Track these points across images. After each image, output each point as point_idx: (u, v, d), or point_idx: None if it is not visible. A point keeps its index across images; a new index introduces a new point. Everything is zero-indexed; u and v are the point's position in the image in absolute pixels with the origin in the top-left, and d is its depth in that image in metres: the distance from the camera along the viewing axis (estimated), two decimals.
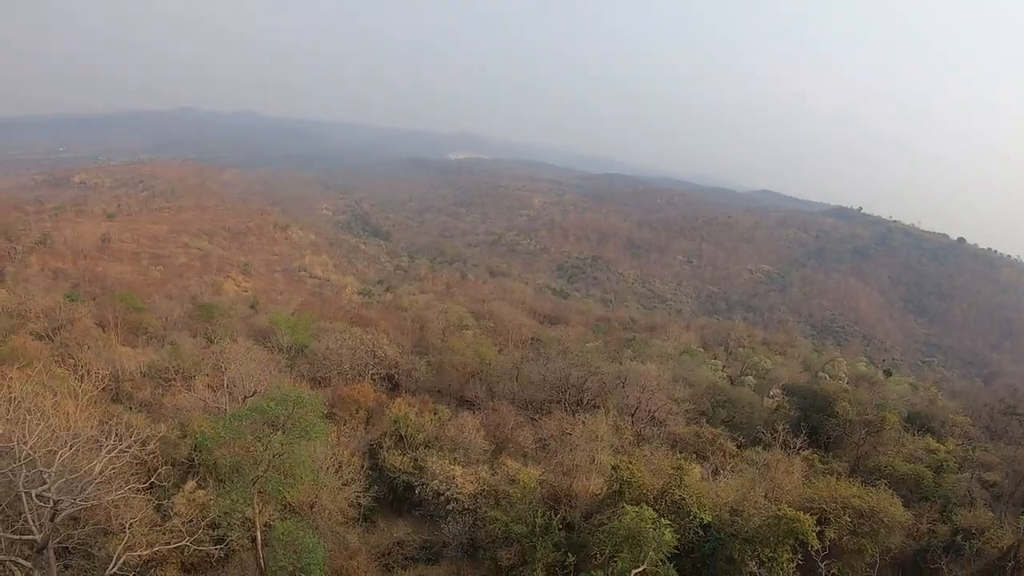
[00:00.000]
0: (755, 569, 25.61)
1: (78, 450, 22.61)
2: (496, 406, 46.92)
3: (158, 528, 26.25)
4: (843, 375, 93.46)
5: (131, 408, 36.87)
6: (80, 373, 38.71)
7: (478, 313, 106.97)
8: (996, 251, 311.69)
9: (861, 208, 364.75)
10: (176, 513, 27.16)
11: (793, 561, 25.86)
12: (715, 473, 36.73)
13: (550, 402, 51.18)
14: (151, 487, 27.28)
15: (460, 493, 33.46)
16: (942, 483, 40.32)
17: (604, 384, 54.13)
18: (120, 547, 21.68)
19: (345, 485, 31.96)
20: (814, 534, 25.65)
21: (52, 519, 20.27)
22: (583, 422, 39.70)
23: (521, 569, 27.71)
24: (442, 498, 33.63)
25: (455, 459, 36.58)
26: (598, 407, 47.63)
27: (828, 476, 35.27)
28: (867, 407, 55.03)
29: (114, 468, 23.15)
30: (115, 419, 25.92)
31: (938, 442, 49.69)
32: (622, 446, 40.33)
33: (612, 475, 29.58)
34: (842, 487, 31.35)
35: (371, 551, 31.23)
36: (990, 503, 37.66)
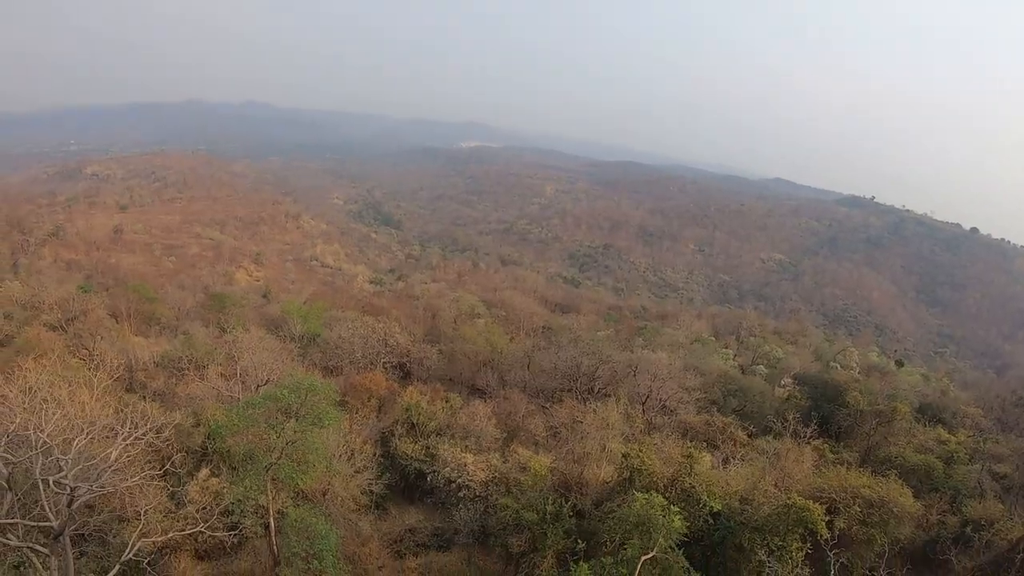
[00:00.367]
0: (764, 558, 25.58)
1: (94, 438, 22.78)
2: (507, 394, 47.03)
3: (172, 515, 26.57)
4: (854, 365, 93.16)
5: (145, 397, 37.14)
6: (94, 363, 39.11)
7: (490, 302, 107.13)
8: (1009, 241, 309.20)
9: (874, 197, 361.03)
10: (190, 500, 27.46)
11: (802, 550, 25.80)
12: (725, 462, 36.72)
13: (561, 390, 51.25)
14: (165, 475, 27.59)
15: (471, 480, 33.63)
16: (952, 474, 40.17)
17: (615, 372, 54.13)
18: (135, 534, 21.89)
19: (357, 472, 32.15)
20: (824, 523, 25.57)
21: (69, 505, 20.45)
22: (594, 410, 39.74)
23: (532, 556, 27.85)
24: (453, 485, 33.85)
25: (467, 447, 36.76)
26: (609, 395, 47.63)
27: (838, 466, 35.27)
28: (878, 397, 54.76)
29: (129, 456, 23.30)
30: (130, 408, 26.06)
31: (949, 433, 49.39)
32: (633, 434, 40.37)
33: (623, 463, 29.64)
34: (852, 477, 31.35)
35: (383, 538, 31.50)
36: (1000, 495, 37.51)
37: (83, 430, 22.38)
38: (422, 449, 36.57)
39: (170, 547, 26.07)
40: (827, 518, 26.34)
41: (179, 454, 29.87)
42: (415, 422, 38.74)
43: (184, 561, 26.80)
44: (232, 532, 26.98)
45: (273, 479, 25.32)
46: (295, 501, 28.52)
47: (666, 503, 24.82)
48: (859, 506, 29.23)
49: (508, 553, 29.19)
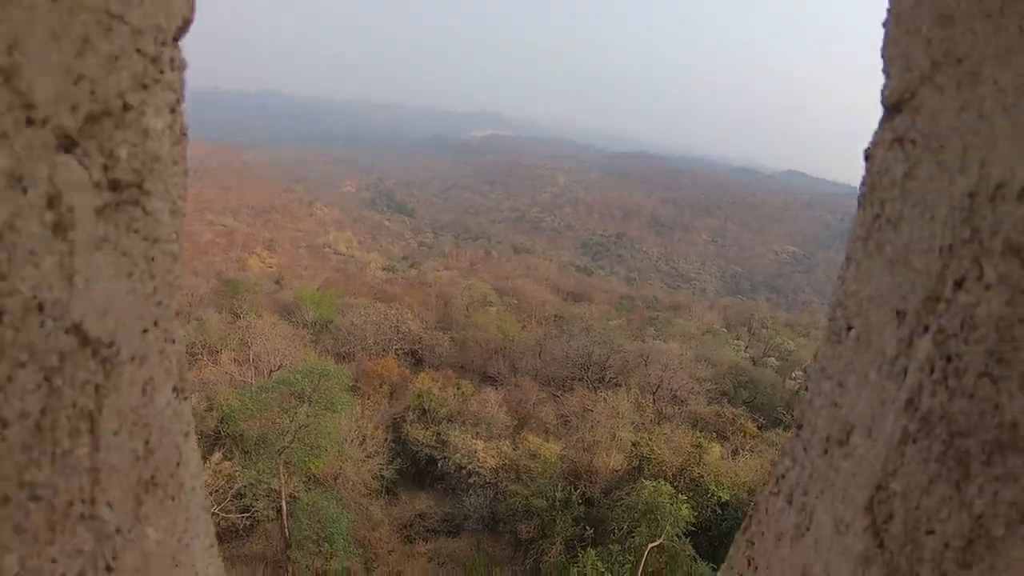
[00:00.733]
0: None
1: None
2: (519, 382, 47.17)
3: None
4: None
5: None
6: None
7: (502, 289, 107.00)
8: None
9: None
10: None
11: None
12: (735, 453, 36.76)
13: (572, 379, 51.31)
14: None
15: (482, 467, 33.83)
16: None
17: (626, 362, 54.12)
18: None
19: (369, 458, 32.48)
20: None
21: None
22: (605, 399, 39.90)
23: (540, 542, 28.10)
24: (464, 472, 34.04)
25: (477, 433, 36.88)
26: (620, 385, 47.67)
27: None
28: None
29: None
30: None
31: None
32: (643, 423, 40.44)
33: (632, 451, 29.83)
34: None
35: (393, 522, 31.79)
36: None
37: None
38: (433, 435, 36.82)
39: None
40: None
41: None
42: (426, 408, 39.00)
43: None
44: (244, 515, 27.32)
45: (285, 463, 25.60)
46: (307, 485, 28.80)
47: (674, 492, 25.00)
48: None
49: (517, 539, 29.45)
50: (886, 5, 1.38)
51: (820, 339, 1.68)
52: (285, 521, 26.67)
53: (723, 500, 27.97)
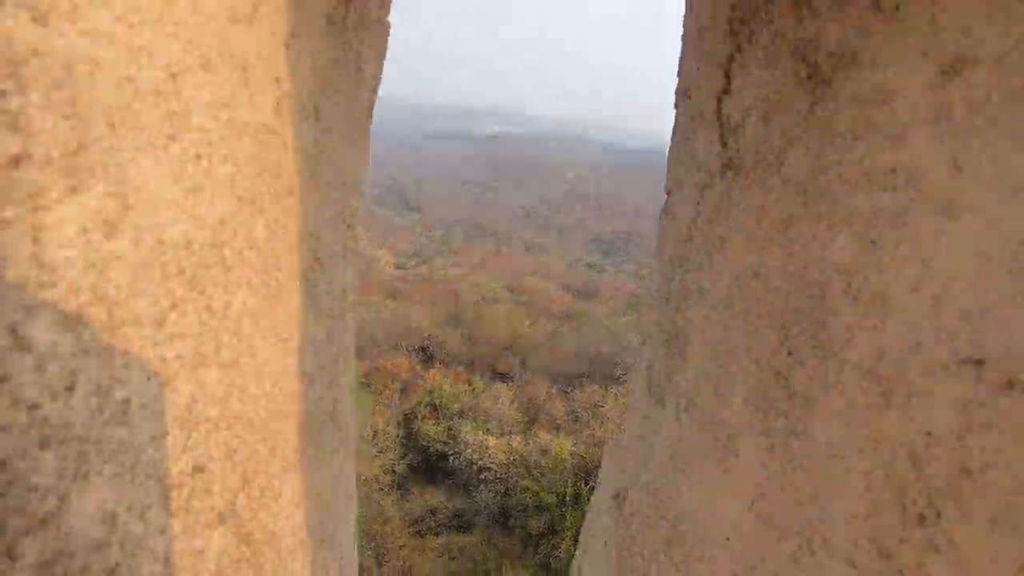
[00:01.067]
0: None
1: None
2: (529, 378, 47.32)
3: None
4: None
5: None
6: None
7: (512, 286, 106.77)
8: None
9: None
10: None
11: None
12: None
13: (582, 375, 51.38)
14: None
15: (492, 462, 33.93)
16: None
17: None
18: None
19: (380, 453, 32.62)
20: None
21: None
22: (615, 395, 39.93)
23: (551, 538, 28.22)
24: (475, 467, 34.18)
25: (488, 429, 37.10)
26: (630, 381, 47.73)
27: None
28: None
29: None
30: None
31: None
32: None
33: None
34: None
35: (404, 517, 31.94)
36: None
37: None
38: (444, 431, 36.98)
39: None
40: None
41: None
42: (437, 404, 39.16)
43: None
44: None
45: None
46: None
47: None
48: None
49: (528, 534, 29.58)
50: None
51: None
52: None
53: None
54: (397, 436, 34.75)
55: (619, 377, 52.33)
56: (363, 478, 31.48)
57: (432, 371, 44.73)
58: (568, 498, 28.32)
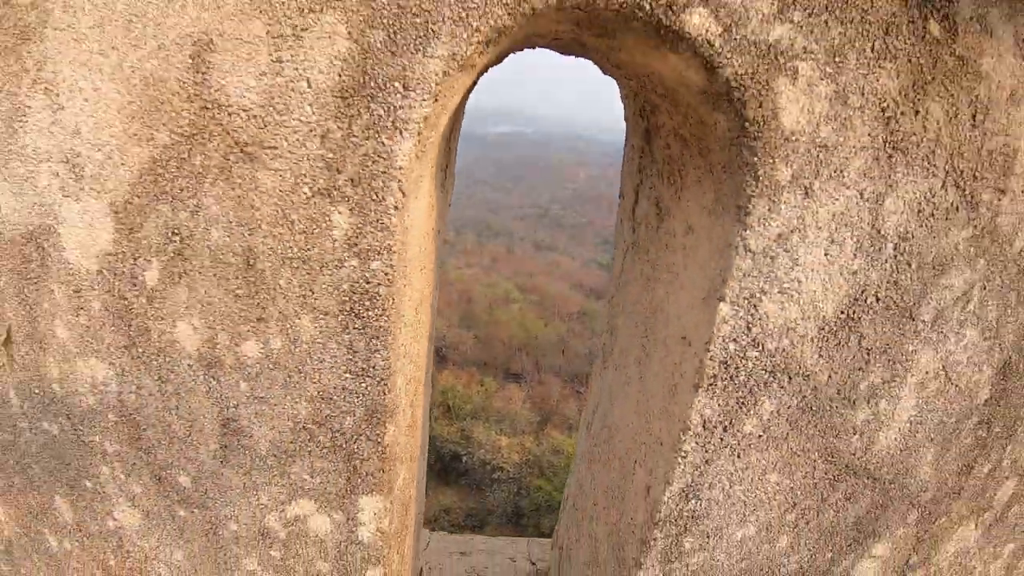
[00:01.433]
0: None
1: None
2: (542, 378, 47.41)
3: None
4: None
5: None
6: None
7: (524, 286, 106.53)
8: None
9: None
10: None
11: None
12: None
13: None
14: None
15: (506, 462, 34.06)
16: None
17: None
18: None
19: None
20: None
21: None
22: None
23: None
24: (488, 467, 34.28)
25: (501, 430, 37.21)
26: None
27: None
28: None
29: None
30: None
31: None
32: None
33: None
34: None
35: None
36: None
37: None
38: (458, 432, 37.11)
39: None
40: None
41: None
42: (451, 405, 39.32)
43: None
44: None
45: None
46: None
47: None
48: None
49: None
50: None
51: None
52: None
53: None
54: None
55: None
56: None
57: (445, 372, 44.88)
58: None
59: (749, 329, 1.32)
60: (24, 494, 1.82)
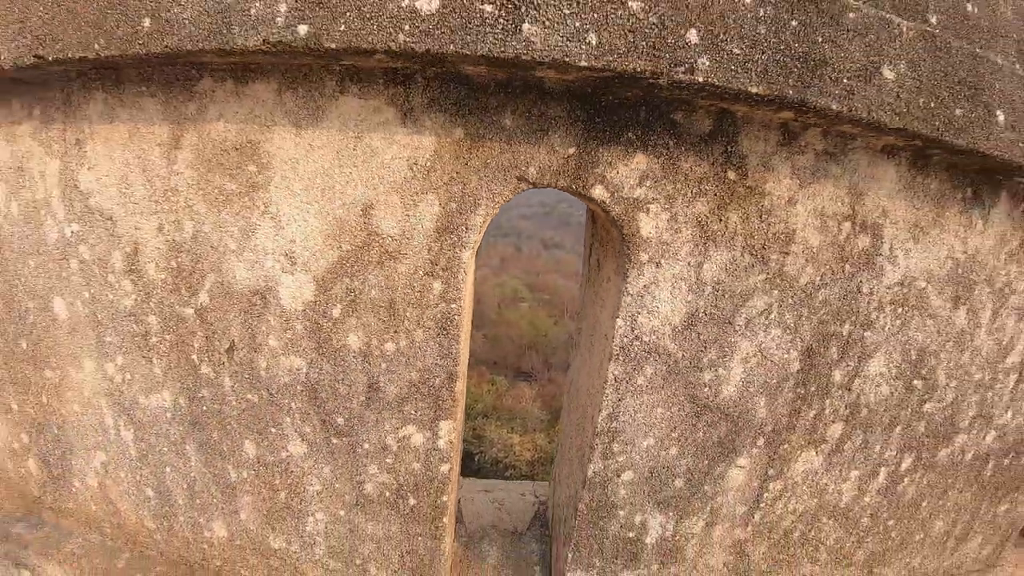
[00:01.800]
0: None
1: None
2: (552, 376, 47.75)
3: None
4: None
5: None
6: None
7: (533, 285, 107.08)
8: None
9: None
10: None
11: None
12: None
13: None
14: None
15: (518, 460, 34.84)
16: None
17: None
18: None
19: None
20: None
21: None
22: None
23: None
24: (500, 465, 35.07)
25: (513, 428, 38.08)
26: None
27: None
28: None
29: None
30: None
31: None
32: None
33: None
34: None
35: None
36: None
37: None
38: (470, 430, 37.61)
39: None
40: None
41: None
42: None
43: None
44: None
45: None
46: None
47: None
48: None
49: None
50: None
51: None
52: None
53: None
54: None
55: None
56: None
57: None
58: None
59: (632, 331, 2.55)
60: (219, 444, 3.08)
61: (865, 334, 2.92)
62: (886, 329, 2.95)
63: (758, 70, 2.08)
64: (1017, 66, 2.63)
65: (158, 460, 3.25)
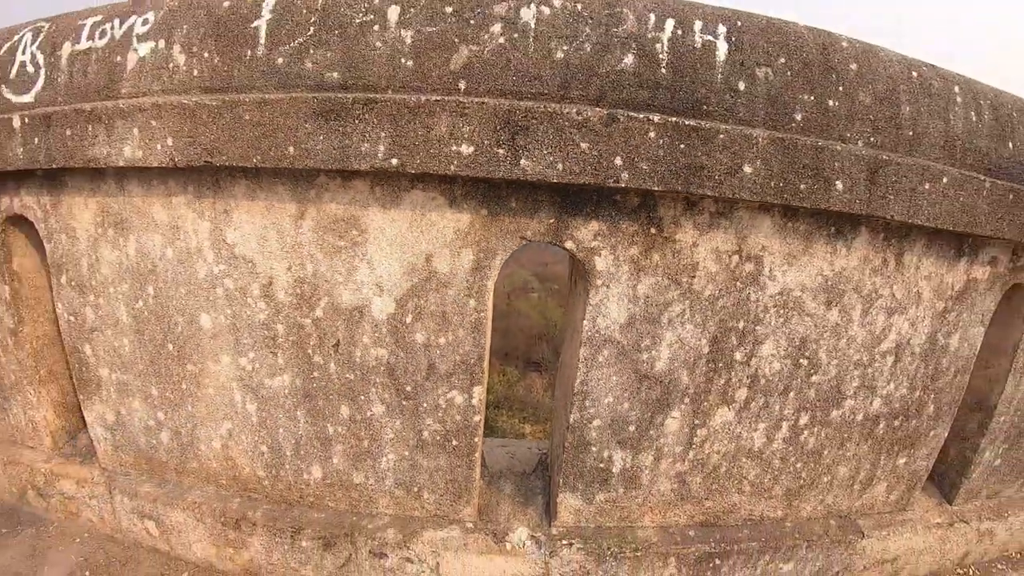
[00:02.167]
0: None
1: None
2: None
3: None
4: None
5: None
6: None
7: (542, 275, 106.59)
8: None
9: None
10: None
11: None
12: None
13: None
14: None
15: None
16: None
17: None
18: None
19: None
20: None
21: None
22: None
23: None
24: None
25: (524, 418, 39.13)
26: None
27: None
28: None
29: None
30: None
31: None
32: None
33: None
34: None
35: None
36: None
37: None
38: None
39: None
40: None
41: None
42: None
43: None
44: None
45: None
46: None
47: None
48: None
49: None
50: None
51: None
52: None
53: None
54: None
55: None
56: None
57: None
58: None
59: (594, 327, 3.87)
60: (323, 409, 4.54)
61: (756, 328, 4.26)
62: (772, 324, 4.28)
63: (658, 177, 3.51)
64: (859, 144, 3.89)
65: (274, 424, 4.55)
